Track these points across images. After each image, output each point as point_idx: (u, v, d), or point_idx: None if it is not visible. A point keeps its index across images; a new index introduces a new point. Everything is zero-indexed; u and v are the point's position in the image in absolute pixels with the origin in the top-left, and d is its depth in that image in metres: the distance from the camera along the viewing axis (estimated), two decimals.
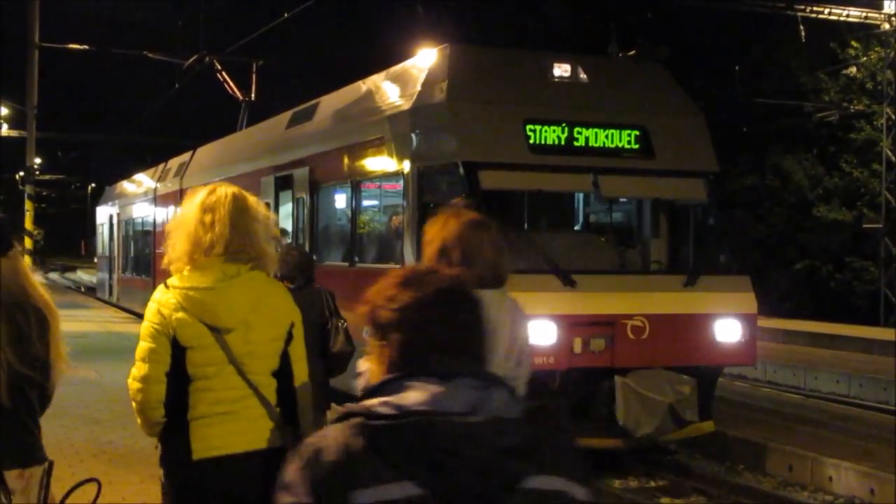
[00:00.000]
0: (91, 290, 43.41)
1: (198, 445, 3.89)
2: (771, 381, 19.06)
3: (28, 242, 27.07)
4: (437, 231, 4.13)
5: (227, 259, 4.00)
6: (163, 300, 3.96)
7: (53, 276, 64.59)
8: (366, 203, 14.14)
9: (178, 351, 3.91)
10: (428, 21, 29.64)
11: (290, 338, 4.08)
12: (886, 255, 30.19)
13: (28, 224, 26.95)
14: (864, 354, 20.79)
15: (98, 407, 12.24)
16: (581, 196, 13.14)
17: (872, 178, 31.33)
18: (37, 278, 3.99)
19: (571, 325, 10.42)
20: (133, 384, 3.96)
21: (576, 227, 13.35)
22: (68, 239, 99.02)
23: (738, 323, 11.20)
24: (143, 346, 3.95)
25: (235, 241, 3.99)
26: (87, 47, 31.75)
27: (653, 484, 11.02)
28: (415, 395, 1.95)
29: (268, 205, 16.19)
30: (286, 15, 23.58)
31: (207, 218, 4.00)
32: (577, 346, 10.42)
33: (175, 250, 4.04)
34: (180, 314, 3.91)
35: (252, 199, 4.16)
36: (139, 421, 4.03)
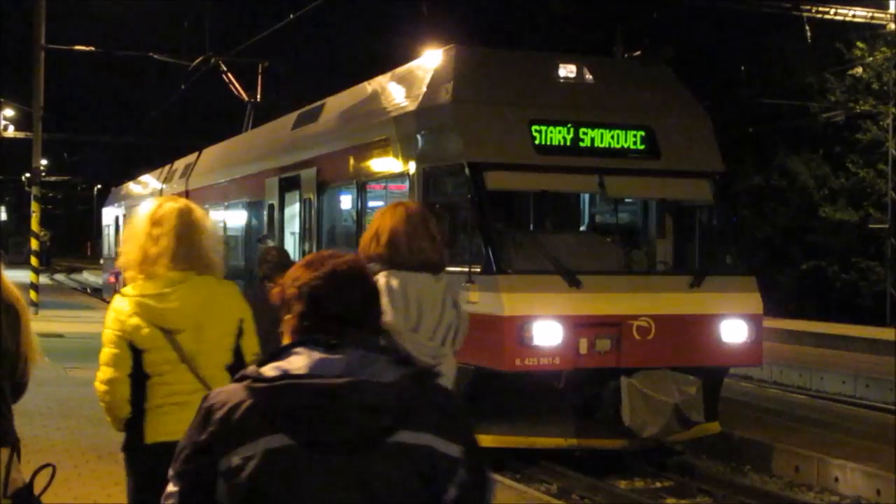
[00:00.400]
0: (97, 292, 43.45)
1: (151, 431, 4.31)
2: (777, 381, 19.02)
3: (34, 243, 27.13)
4: (377, 219, 4.65)
5: (174, 268, 4.32)
6: (119, 308, 4.31)
7: (60, 277, 64.62)
8: (371, 203, 14.13)
9: (136, 353, 4.26)
10: (433, 22, 29.62)
11: (240, 333, 4.41)
12: (893, 255, 30.13)
13: (34, 225, 26.99)
14: (871, 355, 20.73)
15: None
16: (586, 197, 13.12)
17: (878, 178, 31.28)
18: (6, 274, 4.21)
19: (577, 325, 10.42)
20: (100, 387, 4.32)
21: (581, 228, 13.33)
22: (74, 240, 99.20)
23: (745, 323, 11.18)
24: (107, 351, 4.29)
25: (181, 252, 4.33)
26: (93, 49, 31.79)
27: (658, 484, 11.02)
28: (298, 361, 2.27)
29: (272, 205, 16.40)
30: (292, 16, 23.57)
31: (155, 231, 4.34)
32: (583, 346, 10.41)
33: (127, 260, 4.39)
34: (134, 320, 4.25)
35: (198, 213, 4.50)
36: (108, 419, 4.43)
